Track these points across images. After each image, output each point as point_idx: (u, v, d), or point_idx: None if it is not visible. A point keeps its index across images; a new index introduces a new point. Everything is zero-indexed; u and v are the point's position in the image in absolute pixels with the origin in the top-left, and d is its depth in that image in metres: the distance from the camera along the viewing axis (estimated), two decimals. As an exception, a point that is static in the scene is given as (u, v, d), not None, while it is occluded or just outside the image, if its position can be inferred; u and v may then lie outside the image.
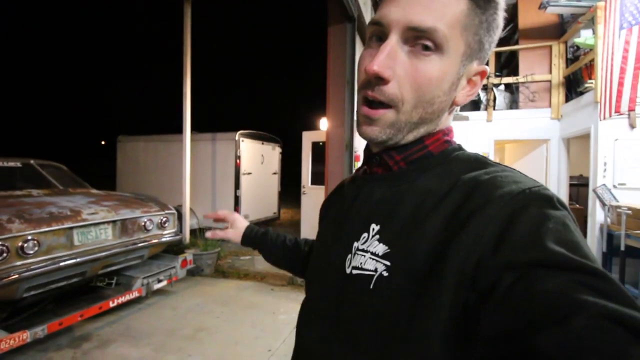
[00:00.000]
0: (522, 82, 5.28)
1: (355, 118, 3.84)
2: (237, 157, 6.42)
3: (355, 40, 3.81)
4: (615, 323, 0.27)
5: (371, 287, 0.42)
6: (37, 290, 2.47)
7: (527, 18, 5.40)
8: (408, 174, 0.48)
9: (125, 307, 3.37)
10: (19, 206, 2.53)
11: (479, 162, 0.46)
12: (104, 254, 2.72)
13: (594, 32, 4.10)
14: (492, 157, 5.36)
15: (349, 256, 0.48)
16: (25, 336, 2.29)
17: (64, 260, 2.50)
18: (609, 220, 3.81)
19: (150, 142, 7.28)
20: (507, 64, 6.10)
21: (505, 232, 0.35)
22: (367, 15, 5.31)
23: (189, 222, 5.05)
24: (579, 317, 0.27)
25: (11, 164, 3.27)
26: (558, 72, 5.05)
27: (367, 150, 0.54)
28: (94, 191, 3.47)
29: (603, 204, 3.96)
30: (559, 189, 5.07)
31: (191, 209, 6.58)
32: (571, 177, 5.45)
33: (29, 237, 2.29)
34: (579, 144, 5.15)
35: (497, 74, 5.74)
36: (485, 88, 5.35)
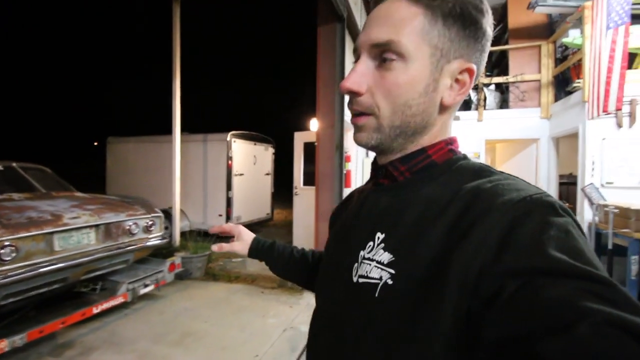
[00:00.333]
0: (512, 82, 5.31)
1: (350, 121, 3.82)
2: (229, 158, 6.36)
3: (345, 41, 3.78)
4: (620, 330, 0.26)
5: (376, 295, 0.43)
6: (16, 297, 2.39)
7: (517, 18, 5.43)
8: (413, 184, 0.49)
9: (111, 312, 3.30)
10: (-3, 211, 2.46)
11: (483, 171, 0.46)
12: (86, 259, 2.65)
13: (581, 32, 4.12)
14: (482, 156, 5.38)
15: (356, 265, 0.49)
16: (3, 345, 2.22)
17: (44, 267, 2.43)
18: (596, 219, 3.83)
19: (140, 143, 7.18)
20: (498, 64, 6.12)
21: (507, 239, 0.35)
22: (358, 15, 5.28)
23: (179, 225, 4.98)
24: (583, 324, 0.27)
25: (-8, 167, 3.19)
26: (547, 71, 5.08)
27: (374, 163, 0.57)
28: (79, 194, 3.39)
29: (591, 203, 3.98)
30: (549, 188, 5.09)
31: (182, 211, 6.51)
32: (561, 176, 5.48)
33: (6, 243, 2.22)
34: (568, 143, 5.17)
35: (488, 73, 5.76)
36: (475, 88, 5.36)
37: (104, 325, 3.14)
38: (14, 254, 2.26)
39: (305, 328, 3.11)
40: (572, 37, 4.42)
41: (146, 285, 3.31)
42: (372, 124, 0.48)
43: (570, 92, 4.53)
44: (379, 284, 0.44)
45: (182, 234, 5.14)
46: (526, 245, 0.34)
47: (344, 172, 3.84)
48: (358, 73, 0.48)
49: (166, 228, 6.09)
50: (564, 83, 4.89)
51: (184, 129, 7.08)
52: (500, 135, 5.38)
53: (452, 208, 0.42)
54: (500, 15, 5.84)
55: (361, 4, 5.68)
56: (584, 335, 0.27)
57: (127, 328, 3.11)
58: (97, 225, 2.79)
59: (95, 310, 2.93)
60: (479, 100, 5.38)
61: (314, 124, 4.03)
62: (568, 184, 6.12)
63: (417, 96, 0.47)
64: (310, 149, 5.24)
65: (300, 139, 5.46)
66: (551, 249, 0.33)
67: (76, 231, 2.64)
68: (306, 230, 5.25)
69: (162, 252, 4.53)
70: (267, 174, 7.69)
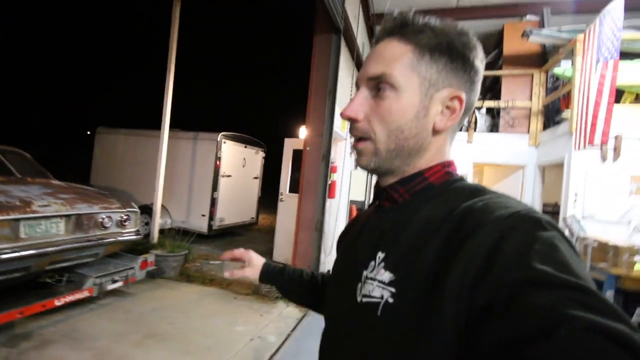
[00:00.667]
0: (503, 107, 5.37)
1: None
2: (217, 159, 6.31)
3: (339, 52, 3.81)
4: (599, 335, 0.28)
5: (379, 313, 0.45)
6: (-28, 283, 2.30)
7: (512, 45, 5.53)
8: (411, 205, 0.53)
9: (76, 306, 3.19)
10: (-37, 192, 2.38)
11: (477, 191, 0.49)
12: (52, 249, 2.57)
13: (572, 64, 4.20)
14: (470, 179, 5.40)
15: (359, 285, 0.51)
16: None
17: (6, 253, 2.34)
18: (576, 250, 3.84)
19: (130, 136, 7.10)
20: (491, 88, 6.21)
21: (496, 253, 0.37)
22: (357, 29, 5.34)
23: (158, 221, 4.89)
24: (564, 329, 0.29)
25: (-33, 147, 3.10)
26: (538, 100, 5.16)
27: (376, 186, 0.61)
28: (55, 182, 3.31)
29: (571, 234, 3.99)
30: (533, 215, 5.11)
31: (165, 207, 6.41)
32: (547, 205, 5.52)
33: (-33, 226, 2.14)
34: (555, 172, 5.22)
35: (480, 97, 5.84)
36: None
37: (66, 319, 3.04)
38: (-27, 238, 2.17)
39: (273, 339, 3.05)
40: (564, 68, 4.50)
41: (115, 281, 3.21)
42: (370, 148, 0.53)
43: (558, 122, 4.60)
44: (380, 302, 0.46)
45: (162, 230, 5.04)
46: (513, 258, 0.36)
47: (329, 182, 3.82)
48: (356, 102, 0.54)
49: (147, 223, 6.01)
50: (553, 112, 4.96)
51: (177, 126, 7.06)
52: (488, 159, 5.42)
53: (446, 226, 0.44)
54: (497, 41, 5.95)
55: (360, 18, 5.75)
56: (565, 340, 0.29)
57: (89, 324, 3.00)
58: (67, 216, 2.71)
59: (58, 302, 2.83)
60: (469, 122, 5.43)
61: (303, 132, 4.01)
62: (553, 213, 6.18)
63: (409, 121, 0.52)
64: (299, 156, 5.21)
65: (290, 145, 5.44)
66: (536, 262, 0.35)
67: (45, 220, 2.56)
68: (289, 237, 5.18)
69: (139, 248, 4.43)
70: (256, 178, 7.63)
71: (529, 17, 5.66)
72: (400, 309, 0.43)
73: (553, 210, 6.10)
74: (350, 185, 5.30)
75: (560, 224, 4.19)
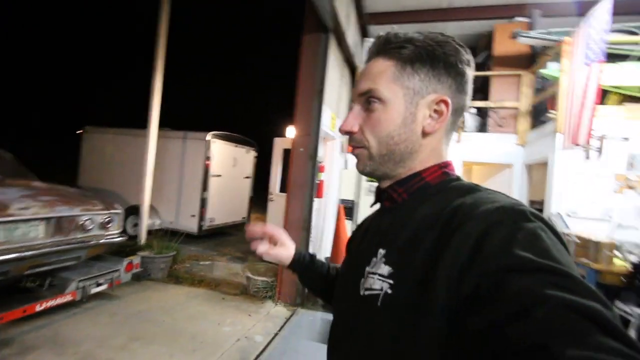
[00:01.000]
0: (492, 108, 5.41)
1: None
2: (207, 158, 6.25)
3: (328, 51, 3.78)
4: (574, 312, 0.31)
5: (379, 304, 0.48)
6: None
7: (501, 46, 5.57)
8: (410, 204, 0.56)
9: (59, 310, 3.13)
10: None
11: (470, 189, 0.52)
12: (31, 253, 2.51)
13: (560, 65, 4.24)
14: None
15: (362, 279, 0.54)
16: None
17: (-18, 258, 2.29)
18: (561, 248, 3.90)
19: (119, 135, 6.98)
20: (481, 89, 6.25)
21: (482, 243, 0.40)
22: (350, 29, 5.31)
23: (146, 222, 4.83)
24: (541, 307, 0.32)
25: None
26: (526, 100, 5.21)
27: (378, 188, 0.64)
28: (36, 184, 3.23)
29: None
30: (520, 214, 5.17)
31: (154, 208, 6.34)
32: (536, 202, 5.58)
33: (-60, 231, 2.08)
34: (541, 171, 5.29)
35: (470, 97, 5.87)
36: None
37: (49, 324, 2.98)
38: (-53, 243, 2.11)
39: (260, 338, 3.04)
40: (551, 69, 4.55)
41: (99, 284, 3.16)
42: (365, 154, 0.59)
43: (544, 122, 4.65)
44: (380, 294, 0.49)
45: (155, 232, 4.97)
46: (496, 248, 0.39)
47: (316, 182, 3.80)
48: (351, 117, 0.60)
49: (136, 224, 5.93)
50: (540, 112, 5.01)
51: (167, 125, 6.97)
52: (476, 158, 5.46)
53: (439, 222, 0.47)
54: (487, 42, 5.99)
55: (353, 17, 5.73)
56: (542, 317, 0.31)
57: (73, 328, 2.95)
58: (47, 218, 2.65)
59: (39, 307, 2.77)
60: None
61: (291, 131, 3.99)
62: (540, 210, 6.26)
63: (397, 128, 0.56)
64: (289, 156, 5.20)
65: (279, 145, 5.41)
66: (517, 249, 0.37)
67: (23, 223, 2.50)
68: (279, 237, 5.16)
69: (126, 249, 4.37)
70: (247, 178, 7.58)
71: (518, 18, 5.71)
72: (397, 299, 0.46)
73: (541, 207, 6.19)
74: (341, 185, 5.30)
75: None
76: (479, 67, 5.91)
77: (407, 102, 0.56)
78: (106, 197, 3.67)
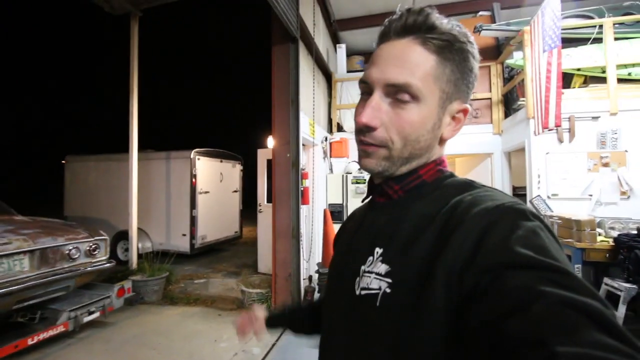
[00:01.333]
0: (466, 100, 5.57)
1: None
2: (193, 176, 6.25)
3: (298, 60, 3.87)
4: (570, 308, 0.31)
5: (378, 304, 0.47)
6: None
7: (468, 40, 5.75)
8: (406, 201, 0.55)
9: (52, 342, 3.10)
10: None
11: (466, 185, 0.52)
12: (17, 287, 2.50)
13: (523, 54, 4.42)
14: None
15: (357, 279, 0.52)
16: None
17: (-33, 297, 2.27)
18: (544, 229, 4.00)
19: (100, 162, 6.94)
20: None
21: (481, 241, 0.40)
22: (320, 37, 5.44)
23: (136, 246, 4.80)
24: (538, 304, 0.32)
25: None
26: (497, 90, 5.38)
27: (370, 182, 0.62)
28: (17, 218, 3.22)
29: (538, 213, 4.16)
30: (504, 200, 5.29)
31: (144, 231, 6.30)
32: (519, 188, 5.72)
33: None
34: (520, 157, 5.44)
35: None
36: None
37: (42, 357, 2.94)
38: None
39: (257, 350, 3.04)
40: (515, 58, 4.72)
41: (91, 313, 3.14)
42: (384, 153, 0.53)
43: (516, 110, 4.81)
44: (379, 293, 0.47)
45: (145, 255, 4.93)
46: (496, 246, 0.39)
47: (301, 188, 3.86)
48: (373, 108, 0.52)
49: (127, 249, 5.87)
50: (511, 101, 5.18)
51: (151, 146, 6.96)
52: (457, 150, 5.59)
53: (438, 220, 0.47)
54: (455, 37, 6.17)
55: (324, 26, 5.87)
56: (540, 313, 0.31)
57: (67, 359, 2.92)
58: (31, 251, 2.64)
59: (31, 341, 2.75)
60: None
61: (271, 142, 4.05)
62: (523, 195, 6.41)
63: (426, 133, 0.52)
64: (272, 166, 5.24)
65: (263, 156, 5.46)
66: (517, 247, 0.38)
67: (6, 258, 2.49)
68: (271, 247, 5.18)
69: (117, 275, 4.34)
70: (235, 191, 7.59)
71: (481, 13, 5.92)
72: (397, 298, 0.45)
73: (523, 193, 6.34)
74: (327, 190, 5.36)
75: (528, 205, 4.37)
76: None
77: (439, 106, 0.52)
78: (92, 225, 3.66)
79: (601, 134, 4.13)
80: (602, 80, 4.26)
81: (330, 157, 5.67)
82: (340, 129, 5.91)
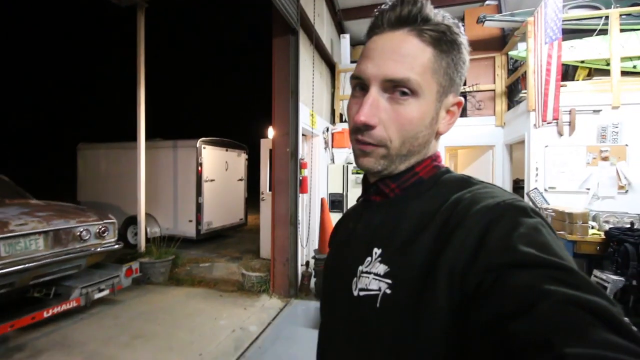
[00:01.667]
0: (469, 91, 5.56)
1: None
2: (199, 164, 6.45)
3: (298, 52, 3.95)
4: (576, 306, 0.30)
5: (378, 305, 0.46)
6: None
7: (473, 30, 5.70)
8: (403, 200, 0.53)
9: (66, 317, 3.36)
10: (-57, 218, 2.52)
11: (465, 182, 0.51)
12: (33, 264, 2.72)
13: (526, 46, 4.39)
14: (443, 162, 5.59)
15: (355, 279, 0.51)
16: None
17: (-11, 272, 2.50)
18: (538, 221, 4.05)
19: (111, 150, 7.20)
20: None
21: (483, 239, 0.40)
22: (324, 27, 5.48)
23: (144, 231, 5.04)
24: (544, 303, 0.31)
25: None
26: (501, 82, 5.35)
27: (365, 180, 0.61)
28: (33, 202, 3.46)
29: (535, 207, 4.20)
30: (504, 193, 5.32)
31: (153, 217, 6.56)
32: (519, 180, 5.73)
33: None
34: (521, 149, 5.44)
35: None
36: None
37: (57, 329, 3.20)
38: (-45, 260, 2.32)
39: (254, 328, 3.24)
40: (519, 50, 4.69)
41: (101, 290, 3.38)
42: (382, 152, 0.51)
43: (518, 102, 4.80)
44: (379, 294, 0.46)
45: (153, 239, 5.17)
46: (499, 244, 0.38)
47: (300, 178, 3.99)
48: (371, 106, 0.49)
49: (136, 234, 6.15)
50: (515, 93, 5.15)
51: (160, 135, 7.17)
52: (459, 142, 5.62)
53: (437, 219, 0.46)
54: (460, 27, 6.10)
55: (329, 17, 5.88)
56: (545, 313, 0.30)
57: (80, 331, 3.17)
58: (45, 232, 2.86)
59: (46, 314, 2.99)
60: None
61: (271, 132, 4.17)
62: (522, 188, 6.41)
63: (424, 129, 0.51)
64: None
65: (266, 146, 5.59)
66: (520, 245, 0.37)
67: (23, 237, 2.71)
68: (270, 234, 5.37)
69: (127, 257, 4.60)
70: (240, 180, 7.78)
71: (488, 2, 5.84)
72: (397, 299, 0.45)
73: (523, 185, 6.34)
74: (328, 179, 5.48)
75: (526, 198, 4.41)
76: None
77: (437, 100, 0.51)
78: (104, 210, 3.88)
79: (602, 128, 4.11)
80: (607, 72, 4.21)
81: (332, 147, 5.77)
82: (343, 119, 5.99)
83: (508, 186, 5.36)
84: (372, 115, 0.49)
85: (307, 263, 4.22)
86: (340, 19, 6.39)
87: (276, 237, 3.94)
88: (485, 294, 0.36)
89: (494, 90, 5.44)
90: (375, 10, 0.53)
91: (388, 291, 0.45)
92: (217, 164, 6.93)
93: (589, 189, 4.13)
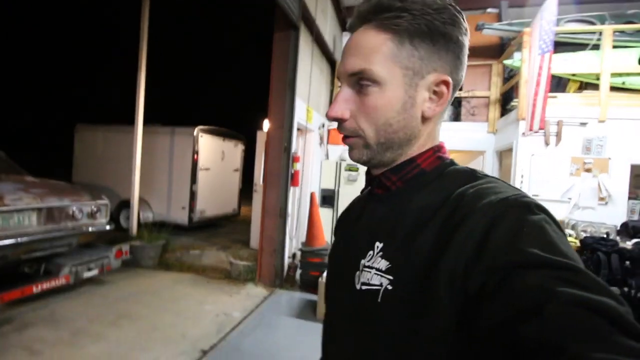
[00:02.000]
0: (465, 97, 5.66)
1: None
2: (195, 152, 6.51)
3: (298, 48, 4.02)
4: (585, 308, 0.30)
5: (379, 300, 0.46)
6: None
7: (472, 37, 5.75)
8: (405, 193, 0.53)
9: (55, 294, 3.44)
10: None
11: (469, 175, 0.50)
12: (25, 239, 2.80)
13: (522, 55, 4.49)
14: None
15: (357, 273, 0.52)
16: None
17: (-18, 244, 2.57)
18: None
19: (109, 132, 7.24)
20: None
21: (486, 238, 0.39)
22: (327, 24, 5.53)
23: (136, 215, 5.12)
24: (552, 305, 0.30)
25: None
26: (496, 89, 5.46)
27: (368, 174, 0.61)
28: (29, 179, 3.52)
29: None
30: (491, 198, 5.45)
31: (146, 202, 6.63)
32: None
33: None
34: (510, 156, 5.57)
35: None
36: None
37: (45, 305, 3.28)
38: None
39: (238, 314, 3.35)
40: (514, 59, 4.79)
41: (90, 269, 3.46)
42: (360, 143, 0.53)
43: (510, 110, 4.91)
44: (380, 289, 0.46)
45: (145, 224, 5.25)
46: (503, 243, 0.37)
47: (292, 172, 4.08)
48: (340, 101, 0.52)
49: (129, 217, 6.22)
50: (508, 101, 5.27)
51: (158, 121, 7.21)
52: (451, 146, 5.72)
53: (440, 214, 0.45)
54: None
55: (333, 13, 5.93)
56: (554, 315, 0.30)
57: (67, 308, 3.26)
58: (39, 209, 2.94)
59: (36, 289, 3.07)
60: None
61: (266, 125, 4.26)
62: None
63: (396, 114, 0.50)
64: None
65: (262, 138, 5.66)
66: (524, 245, 0.36)
67: (17, 212, 2.79)
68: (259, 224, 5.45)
69: (118, 240, 4.67)
70: (236, 170, 7.85)
71: (489, 10, 5.93)
72: (398, 295, 0.45)
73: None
74: (321, 175, 5.57)
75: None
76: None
77: (407, 84, 0.50)
78: (97, 191, 3.95)
79: (587, 140, 4.24)
80: (598, 87, 4.32)
81: (328, 143, 5.86)
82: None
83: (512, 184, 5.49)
84: (340, 109, 0.51)
85: (294, 255, 4.32)
86: (345, 16, 6.45)
87: (265, 227, 4.03)
88: (490, 296, 0.35)
89: (488, 97, 5.54)
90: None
91: (389, 287, 0.46)
92: (214, 153, 7.00)
93: (570, 199, 4.26)
